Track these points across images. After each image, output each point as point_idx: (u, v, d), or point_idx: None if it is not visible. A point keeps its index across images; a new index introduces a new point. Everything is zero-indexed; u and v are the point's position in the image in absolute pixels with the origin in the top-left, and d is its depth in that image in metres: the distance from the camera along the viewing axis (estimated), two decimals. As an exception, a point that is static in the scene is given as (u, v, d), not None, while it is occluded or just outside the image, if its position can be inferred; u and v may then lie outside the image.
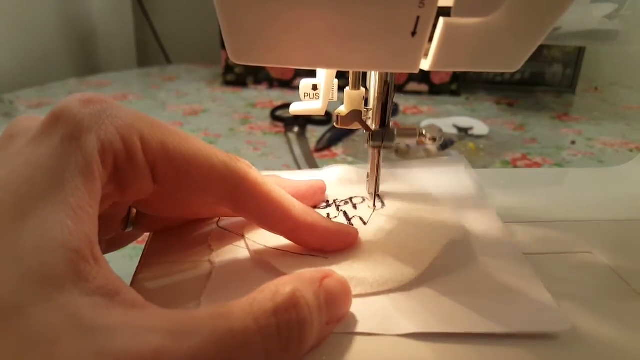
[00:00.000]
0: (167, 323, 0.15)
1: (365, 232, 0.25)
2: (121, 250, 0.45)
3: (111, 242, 0.25)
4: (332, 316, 0.19)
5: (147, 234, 0.27)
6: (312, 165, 0.62)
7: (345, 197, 0.29)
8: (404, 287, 0.21)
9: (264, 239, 0.24)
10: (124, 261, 0.42)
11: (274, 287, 0.17)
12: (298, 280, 0.18)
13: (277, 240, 0.24)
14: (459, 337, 0.19)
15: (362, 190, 0.30)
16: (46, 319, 0.14)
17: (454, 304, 0.20)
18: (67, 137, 0.17)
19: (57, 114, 0.18)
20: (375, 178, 0.28)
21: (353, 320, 0.20)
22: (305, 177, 0.30)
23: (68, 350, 0.13)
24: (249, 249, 0.24)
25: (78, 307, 0.14)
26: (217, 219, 0.27)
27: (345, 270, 0.22)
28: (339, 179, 0.31)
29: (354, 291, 0.21)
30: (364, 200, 0.29)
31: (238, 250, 0.24)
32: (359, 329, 0.19)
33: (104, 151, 0.18)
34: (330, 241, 0.23)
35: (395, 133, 0.27)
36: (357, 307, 0.20)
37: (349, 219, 0.27)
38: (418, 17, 0.18)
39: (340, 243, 0.24)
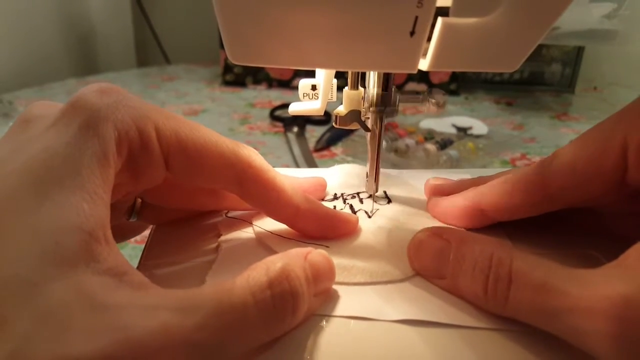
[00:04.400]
0: (173, 301, 0.16)
1: (369, 225, 0.26)
2: (121, 250, 0.45)
3: (113, 232, 0.26)
4: (318, 288, 0.20)
5: (146, 235, 0.27)
6: (312, 165, 0.62)
7: (353, 191, 0.30)
8: (402, 280, 0.22)
9: (270, 227, 0.25)
10: (123, 261, 0.42)
11: (265, 264, 0.18)
12: (286, 256, 0.19)
13: (283, 230, 0.25)
14: (449, 325, 0.20)
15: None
16: (61, 295, 0.14)
17: (448, 297, 0.21)
18: (84, 125, 0.18)
19: (74, 103, 0.19)
20: (376, 154, 0.27)
21: (351, 305, 0.20)
22: (314, 174, 0.30)
23: (82, 326, 0.14)
24: (255, 234, 0.25)
25: (90, 286, 0.15)
26: (221, 215, 0.27)
27: (346, 258, 0.23)
28: (348, 175, 0.32)
29: (354, 279, 0.22)
30: (370, 196, 0.29)
31: (245, 236, 0.25)
32: (357, 313, 0.20)
33: (119, 140, 0.19)
34: (329, 227, 0.24)
35: (398, 98, 0.27)
36: (356, 293, 0.21)
37: (354, 212, 0.27)
38: (416, 17, 0.18)
39: (340, 230, 0.24)
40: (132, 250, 0.44)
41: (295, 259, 0.19)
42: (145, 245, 0.26)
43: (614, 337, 0.15)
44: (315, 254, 0.20)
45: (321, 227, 0.24)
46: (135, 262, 0.24)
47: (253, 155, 0.22)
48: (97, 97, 0.19)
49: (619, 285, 0.16)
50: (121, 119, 0.19)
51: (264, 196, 0.23)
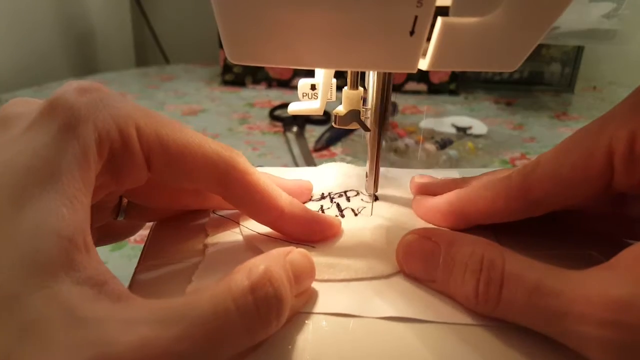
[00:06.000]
0: (152, 313, 0.15)
1: (355, 223, 0.26)
2: (121, 250, 0.45)
3: (103, 232, 0.25)
4: (300, 288, 0.20)
5: (145, 235, 0.27)
6: (311, 164, 0.62)
7: (340, 190, 0.30)
8: (387, 275, 0.22)
9: (258, 227, 0.25)
10: (123, 261, 0.42)
11: (247, 266, 0.18)
12: (268, 258, 0.19)
13: (270, 229, 0.25)
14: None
15: (357, 185, 0.30)
16: (41, 308, 0.14)
17: (433, 293, 0.21)
18: (64, 126, 0.17)
19: (53, 103, 0.18)
20: (376, 154, 0.28)
21: (336, 302, 0.21)
22: (303, 173, 0.31)
23: (62, 341, 0.14)
24: (242, 234, 0.25)
25: (70, 297, 0.15)
26: (209, 214, 0.27)
27: (331, 257, 0.23)
28: (337, 174, 0.32)
29: (339, 276, 0.22)
30: (358, 193, 0.29)
31: (232, 236, 0.25)
32: (342, 310, 0.20)
33: (100, 141, 0.18)
34: (313, 231, 0.24)
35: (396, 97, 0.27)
36: (341, 290, 0.21)
37: (340, 210, 0.27)
38: (416, 17, 0.18)
39: (323, 233, 0.24)
40: (131, 250, 0.44)
41: (277, 259, 0.19)
42: (144, 246, 0.26)
43: (609, 342, 0.15)
44: (296, 253, 0.20)
45: (305, 230, 0.24)
46: (134, 262, 0.24)
47: (237, 157, 0.22)
48: (77, 96, 0.18)
49: (613, 289, 0.16)
50: (102, 119, 0.18)
51: (247, 199, 0.23)
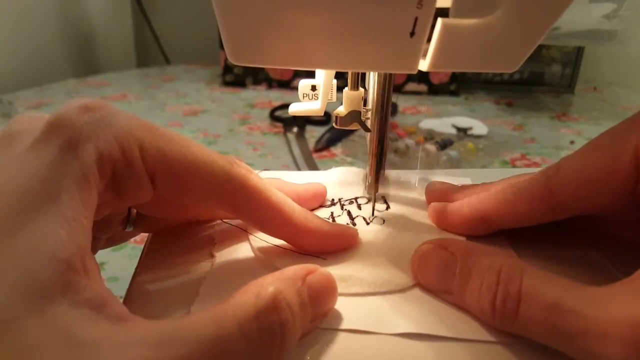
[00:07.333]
0: (152, 335, 0.15)
1: (367, 233, 0.25)
2: (121, 250, 0.45)
3: (111, 237, 0.25)
4: (317, 312, 0.19)
5: (147, 236, 0.27)
6: (311, 165, 0.62)
7: (351, 197, 0.29)
8: (401, 290, 0.22)
9: (268, 237, 0.24)
10: (123, 261, 0.42)
11: (256, 289, 0.17)
12: (280, 280, 0.18)
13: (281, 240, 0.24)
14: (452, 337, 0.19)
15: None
16: (37, 333, 0.14)
17: (449, 308, 0.20)
18: (64, 146, 0.17)
19: (55, 121, 0.18)
20: (378, 155, 0.27)
21: (348, 317, 0.20)
22: (310, 178, 0.30)
23: None
24: (251, 244, 0.25)
25: (67, 320, 0.14)
26: (218, 222, 0.27)
27: (343, 269, 0.22)
28: (345, 180, 0.31)
29: (351, 290, 0.21)
30: (368, 201, 0.29)
31: (241, 245, 0.25)
32: (354, 326, 0.19)
33: (101, 161, 0.18)
34: (330, 245, 0.24)
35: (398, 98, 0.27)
36: (353, 305, 0.21)
37: (352, 218, 0.27)
38: (416, 18, 0.18)
39: (339, 246, 0.24)
40: (132, 250, 0.44)
41: (290, 282, 0.18)
42: (145, 247, 0.26)
43: None
44: (317, 275, 0.19)
45: (320, 245, 0.23)
46: (135, 262, 0.24)
47: (247, 174, 0.21)
48: (79, 114, 0.18)
49: (636, 308, 0.15)
50: (103, 139, 0.18)
51: (259, 217, 0.22)
